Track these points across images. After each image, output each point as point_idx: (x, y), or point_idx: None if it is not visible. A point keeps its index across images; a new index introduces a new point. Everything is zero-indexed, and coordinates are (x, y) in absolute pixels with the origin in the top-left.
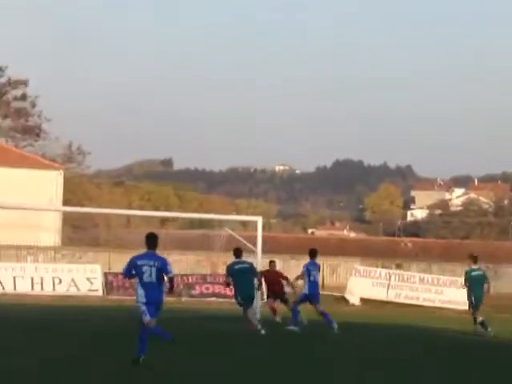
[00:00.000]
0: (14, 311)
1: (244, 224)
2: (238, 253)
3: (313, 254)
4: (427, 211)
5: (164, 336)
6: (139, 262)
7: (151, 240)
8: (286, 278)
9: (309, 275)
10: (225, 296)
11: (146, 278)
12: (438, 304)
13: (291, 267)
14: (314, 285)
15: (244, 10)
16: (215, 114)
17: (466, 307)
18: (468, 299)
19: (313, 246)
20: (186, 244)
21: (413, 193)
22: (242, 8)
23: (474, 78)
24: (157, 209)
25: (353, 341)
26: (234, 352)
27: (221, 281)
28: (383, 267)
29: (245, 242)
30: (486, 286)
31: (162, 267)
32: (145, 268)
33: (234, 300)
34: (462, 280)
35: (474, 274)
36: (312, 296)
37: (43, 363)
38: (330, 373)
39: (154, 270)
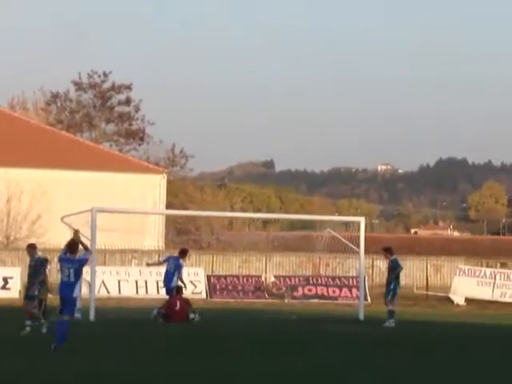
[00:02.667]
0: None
1: (346, 225)
2: None
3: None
4: None
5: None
6: None
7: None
8: None
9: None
10: (327, 297)
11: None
12: None
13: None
14: None
15: None
16: (316, 114)
17: None
18: None
19: (416, 245)
20: (287, 245)
21: None
22: None
23: None
24: (259, 211)
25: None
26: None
27: (323, 282)
28: (488, 266)
29: (347, 242)
30: None
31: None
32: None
33: (335, 301)
34: None
35: None
36: None
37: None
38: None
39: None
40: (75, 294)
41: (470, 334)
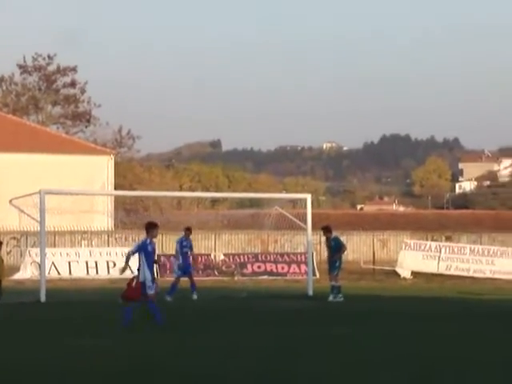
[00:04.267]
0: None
1: (293, 202)
2: None
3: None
4: (475, 183)
5: None
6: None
7: None
8: None
9: None
10: (277, 274)
11: None
12: (489, 275)
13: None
14: None
15: None
16: (262, 93)
17: None
18: None
19: (362, 221)
20: (236, 223)
21: (460, 165)
22: None
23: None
24: (207, 190)
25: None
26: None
27: (272, 259)
28: (433, 240)
29: (294, 219)
30: None
31: None
32: None
33: (284, 277)
34: None
35: None
36: None
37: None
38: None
39: None
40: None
41: (416, 306)
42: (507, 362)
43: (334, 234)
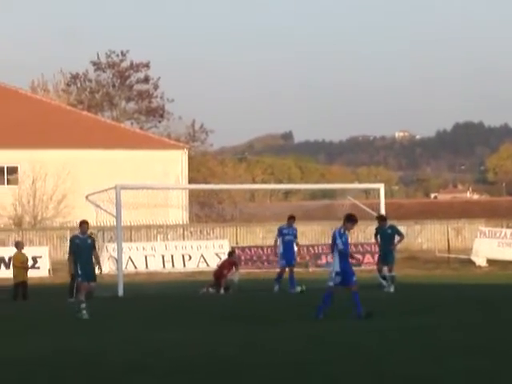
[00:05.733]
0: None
1: (366, 192)
2: None
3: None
4: None
5: None
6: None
7: None
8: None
9: None
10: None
11: None
12: None
13: (415, 232)
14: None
15: None
16: (334, 84)
17: None
18: None
19: (436, 209)
20: (309, 215)
21: None
22: None
23: None
24: (279, 182)
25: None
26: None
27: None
28: (508, 227)
29: (368, 209)
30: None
31: None
32: None
33: (359, 268)
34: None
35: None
36: None
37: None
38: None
39: None
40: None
41: (496, 295)
42: None
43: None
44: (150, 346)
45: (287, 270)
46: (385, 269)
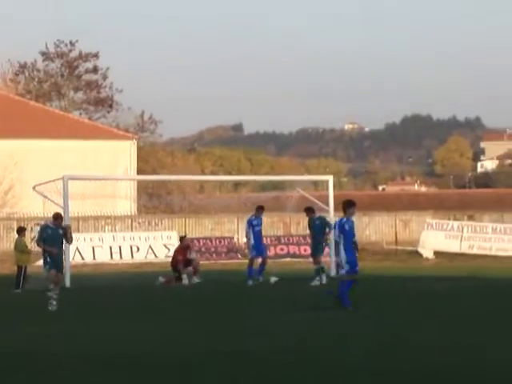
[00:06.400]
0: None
1: (315, 184)
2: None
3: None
4: (497, 162)
5: None
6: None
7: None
8: None
9: None
10: (299, 256)
11: None
12: (511, 253)
13: (363, 224)
14: None
15: None
16: (283, 76)
17: None
18: None
19: (384, 201)
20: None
21: (482, 144)
22: None
23: None
24: (229, 173)
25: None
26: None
27: (295, 241)
28: (455, 219)
29: (317, 201)
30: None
31: None
32: None
33: (307, 259)
34: None
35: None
36: None
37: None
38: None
39: None
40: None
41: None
42: None
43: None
44: (90, 337)
45: (259, 260)
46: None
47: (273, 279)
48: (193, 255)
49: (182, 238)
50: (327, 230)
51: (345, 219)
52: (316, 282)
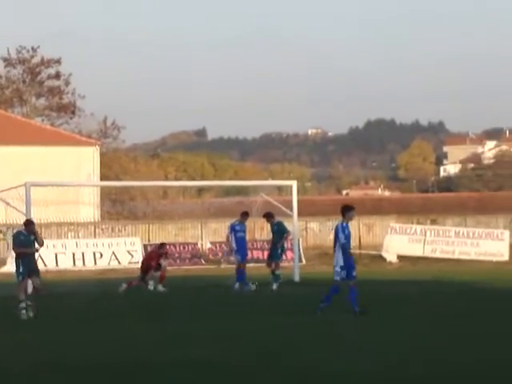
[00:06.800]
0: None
1: (279, 189)
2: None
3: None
4: (460, 166)
5: None
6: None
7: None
8: None
9: None
10: (263, 261)
11: None
12: (474, 257)
13: (327, 228)
14: None
15: None
16: (246, 81)
17: (503, 258)
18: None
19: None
20: (222, 212)
21: (445, 148)
22: None
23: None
24: (193, 179)
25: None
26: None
27: (259, 246)
28: (418, 223)
29: (280, 206)
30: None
31: None
32: None
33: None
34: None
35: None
36: None
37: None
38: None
39: None
40: None
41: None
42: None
43: (278, 219)
44: (51, 346)
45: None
46: (273, 265)
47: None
48: (162, 262)
49: (161, 246)
50: (285, 234)
51: (345, 224)
52: (274, 286)
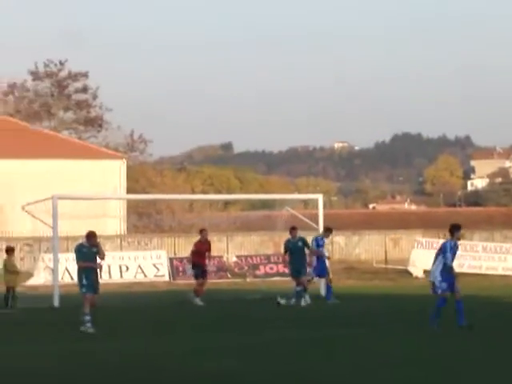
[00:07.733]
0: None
1: (305, 203)
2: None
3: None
4: (487, 180)
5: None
6: None
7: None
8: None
9: None
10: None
11: None
12: (501, 272)
13: (353, 243)
14: None
15: None
16: (273, 95)
17: None
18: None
19: (374, 220)
20: (248, 225)
21: (472, 163)
22: None
23: None
24: (219, 192)
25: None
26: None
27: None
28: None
29: (306, 220)
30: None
31: None
32: None
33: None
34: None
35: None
36: None
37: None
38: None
39: None
40: None
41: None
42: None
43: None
44: (83, 356)
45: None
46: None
47: (282, 301)
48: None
49: (201, 231)
50: (307, 250)
51: (453, 242)
52: (303, 302)
